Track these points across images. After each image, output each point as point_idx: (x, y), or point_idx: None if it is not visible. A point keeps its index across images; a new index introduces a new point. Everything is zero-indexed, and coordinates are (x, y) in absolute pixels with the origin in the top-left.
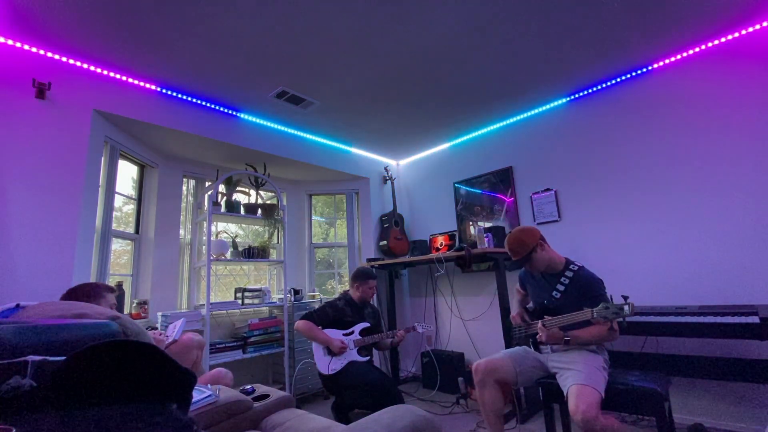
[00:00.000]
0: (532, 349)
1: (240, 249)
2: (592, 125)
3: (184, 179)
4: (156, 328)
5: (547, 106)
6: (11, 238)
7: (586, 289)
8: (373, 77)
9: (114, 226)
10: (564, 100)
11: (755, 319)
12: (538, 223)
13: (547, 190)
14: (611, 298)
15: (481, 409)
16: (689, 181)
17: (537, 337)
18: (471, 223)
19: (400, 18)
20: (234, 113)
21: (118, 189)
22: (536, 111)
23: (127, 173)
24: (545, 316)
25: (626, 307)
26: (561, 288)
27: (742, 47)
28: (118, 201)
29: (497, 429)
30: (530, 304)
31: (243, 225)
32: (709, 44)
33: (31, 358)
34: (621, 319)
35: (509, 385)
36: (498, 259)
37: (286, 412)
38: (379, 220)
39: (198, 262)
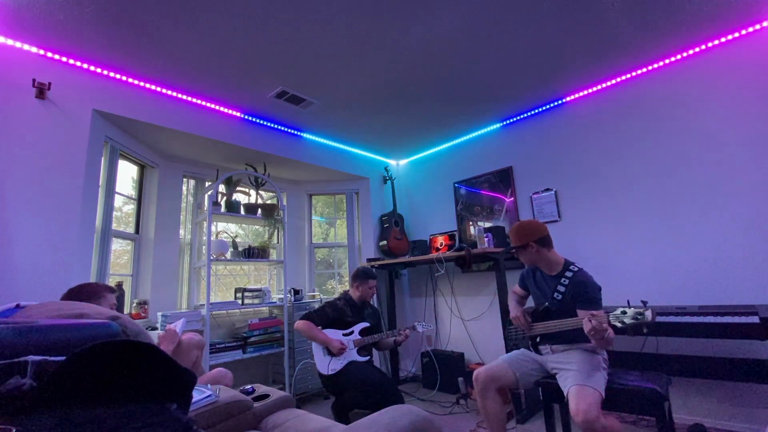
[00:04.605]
0: (532, 351)
1: (240, 249)
2: (592, 125)
3: (184, 179)
4: (156, 329)
5: (548, 106)
6: (11, 238)
7: (581, 289)
8: (373, 77)
9: (114, 226)
10: (565, 100)
11: (755, 319)
12: None
13: (547, 190)
14: (628, 303)
15: (485, 419)
16: (689, 181)
17: (584, 327)
18: (471, 223)
19: (400, 18)
20: (234, 113)
21: (118, 189)
22: (536, 111)
23: (127, 173)
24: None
25: (647, 313)
26: (561, 289)
27: (741, 47)
28: (118, 201)
29: None
30: (530, 306)
31: (243, 225)
32: (709, 44)
33: (31, 358)
34: (641, 326)
35: (511, 391)
36: (498, 259)
37: (286, 412)
38: (379, 220)
39: (198, 262)
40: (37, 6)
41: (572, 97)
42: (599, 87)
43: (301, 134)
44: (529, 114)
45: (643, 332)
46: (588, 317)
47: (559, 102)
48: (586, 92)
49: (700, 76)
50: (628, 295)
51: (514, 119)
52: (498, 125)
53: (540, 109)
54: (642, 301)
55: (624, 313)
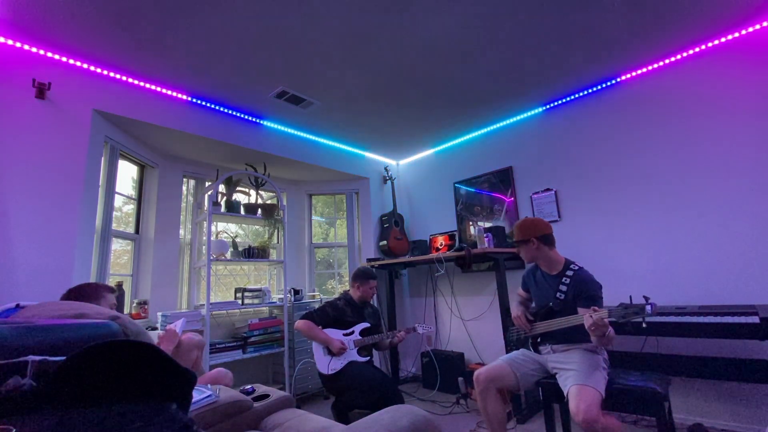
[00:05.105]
0: (532, 351)
1: (240, 249)
2: (592, 125)
3: (184, 179)
4: (156, 329)
5: (548, 106)
6: (11, 238)
7: (582, 287)
8: (374, 77)
9: (114, 226)
10: (564, 100)
11: (755, 319)
12: None
13: (547, 190)
14: (630, 299)
15: (485, 419)
16: (689, 181)
17: (585, 322)
18: (471, 223)
19: (400, 18)
20: (234, 113)
21: (118, 189)
22: (536, 111)
23: (127, 173)
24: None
25: (648, 307)
26: (564, 288)
27: (742, 47)
28: (118, 201)
29: None
30: (533, 306)
31: (243, 225)
32: (709, 44)
33: (31, 358)
34: (640, 320)
35: (511, 392)
36: (498, 259)
37: (286, 412)
38: (379, 220)
39: (198, 262)
40: (37, 6)
41: (573, 96)
42: (600, 87)
43: (301, 134)
44: (528, 114)
45: (642, 327)
46: (589, 313)
47: (560, 102)
48: (586, 92)
49: (701, 76)
50: (628, 295)
51: (514, 119)
52: (498, 125)
53: (540, 109)
54: (644, 297)
55: (626, 308)
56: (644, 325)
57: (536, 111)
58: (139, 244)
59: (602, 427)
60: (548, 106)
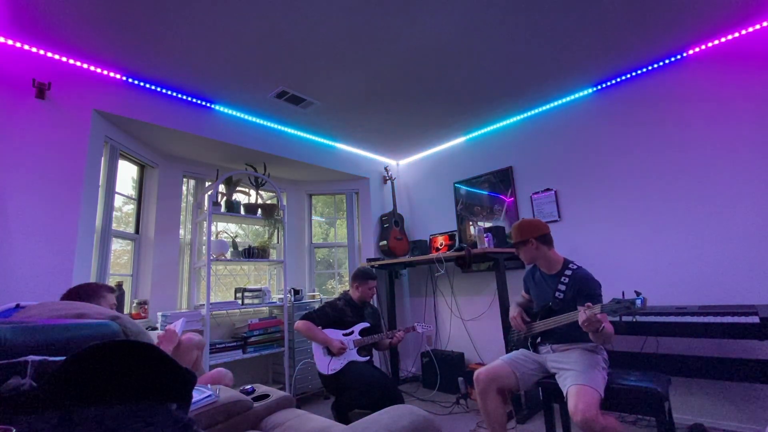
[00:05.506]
0: (531, 351)
1: (240, 249)
2: (592, 125)
3: (184, 179)
4: (156, 329)
5: (547, 106)
6: (11, 238)
7: (582, 286)
8: (373, 77)
9: (114, 226)
10: (564, 100)
11: (755, 319)
12: None
13: (547, 190)
14: (623, 294)
15: (485, 419)
16: (689, 181)
17: (579, 318)
18: (471, 223)
19: (401, 18)
20: (234, 113)
21: (118, 189)
22: (536, 111)
23: (127, 173)
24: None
25: (638, 301)
26: (563, 288)
27: (742, 47)
28: (118, 201)
29: None
30: (534, 308)
31: (243, 225)
32: (709, 44)
33: (31, 358)
34: (631, 317)
35: (511, 392)
36: (498, 259)
37: (286, 412)
38: (379, 220)
39: (198, 262)
40: (37, 6)
41: (572, 97)
42: (599, 87)
43: (301, 134)
44: (529, 114)
45: (633, 319)
46: (583, 309)
47: (559, 102)
48: (586, 92)
49: (701, 76)
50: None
51: (514, 118)
52: (498, 125)
53: (540, 109)
54: (635, 292)
55: (617, 302)
56: (634, 319)
57: (536, 111)
58: (139, 244)
59: (600, 426)
60: (548, 106)
